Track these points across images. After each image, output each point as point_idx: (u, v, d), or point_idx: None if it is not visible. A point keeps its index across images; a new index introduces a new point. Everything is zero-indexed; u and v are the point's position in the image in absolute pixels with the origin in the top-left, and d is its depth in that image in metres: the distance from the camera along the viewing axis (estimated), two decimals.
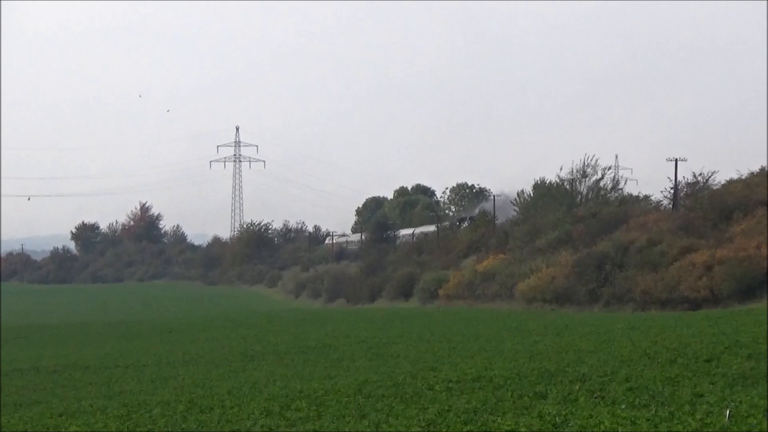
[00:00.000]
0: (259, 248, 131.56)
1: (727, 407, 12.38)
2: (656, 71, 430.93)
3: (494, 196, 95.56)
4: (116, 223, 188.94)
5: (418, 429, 12.77)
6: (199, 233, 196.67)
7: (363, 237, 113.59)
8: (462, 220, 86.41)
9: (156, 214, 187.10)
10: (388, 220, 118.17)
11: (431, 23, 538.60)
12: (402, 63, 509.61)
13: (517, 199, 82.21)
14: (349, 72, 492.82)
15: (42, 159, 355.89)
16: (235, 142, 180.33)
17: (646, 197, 72.57)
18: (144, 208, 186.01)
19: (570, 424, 12.13)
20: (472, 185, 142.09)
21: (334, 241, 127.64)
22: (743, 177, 54.97)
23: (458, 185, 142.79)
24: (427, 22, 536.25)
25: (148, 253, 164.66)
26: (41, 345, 38.73)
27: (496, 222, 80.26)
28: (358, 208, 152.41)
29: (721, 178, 61.13)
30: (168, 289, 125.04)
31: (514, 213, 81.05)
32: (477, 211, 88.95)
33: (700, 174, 63.41)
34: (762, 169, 54.54)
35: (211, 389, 19.84)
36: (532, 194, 79.58)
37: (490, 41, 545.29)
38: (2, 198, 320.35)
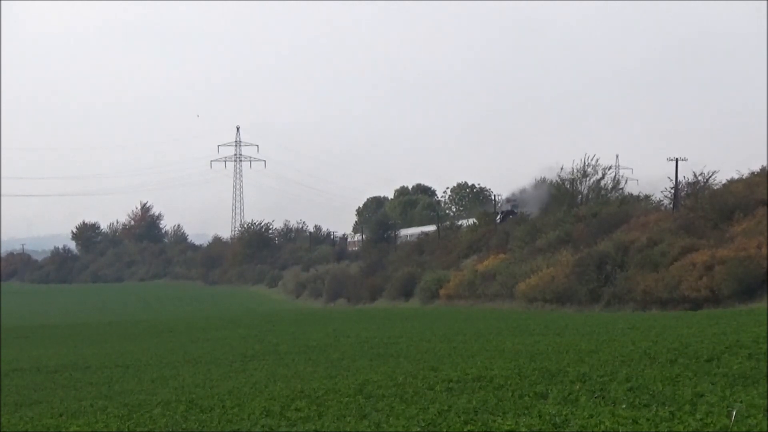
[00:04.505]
0: (260, 248, 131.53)
1: (732, 408, 12.37)
2: (657, 71, 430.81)
3: (494, 195, 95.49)
4: (117, 222, 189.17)
5: (419, 429, 12.76)
6: (199, 233, 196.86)
7: (363, 237, 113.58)
8: (494, 214, 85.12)
9: (156, 213, 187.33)
10: (389, 220, 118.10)
11: (434, 23, 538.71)
12: (404, 63, 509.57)
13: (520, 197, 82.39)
14: (350, 72, 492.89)
15: (42, 159, 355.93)
16: (236, 141, 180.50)
17: (647, 197, 72.49)
18: (145, 208, 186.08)
19: (570, 424, 12.12)
20: (473, 185, 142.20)
21: (355, 239, 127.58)
22: (744, 177, 54.95)
23: (459, 185, 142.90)
24: (430, 21, 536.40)
25: (148, 253, 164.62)
26: (41, 345, 38.71)
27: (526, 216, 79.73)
28: (359, 207, 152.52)
29: (721, 178, 61.15)
30: (169, 289, 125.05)
31: (518, 212, 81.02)
32: (510, 206, 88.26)
33: (701, 174, 63.40)
34: (762, 169, 54.53)
35: (211, 389, 19.84)
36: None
37: (489, 42, 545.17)
38: (2, 198, 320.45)
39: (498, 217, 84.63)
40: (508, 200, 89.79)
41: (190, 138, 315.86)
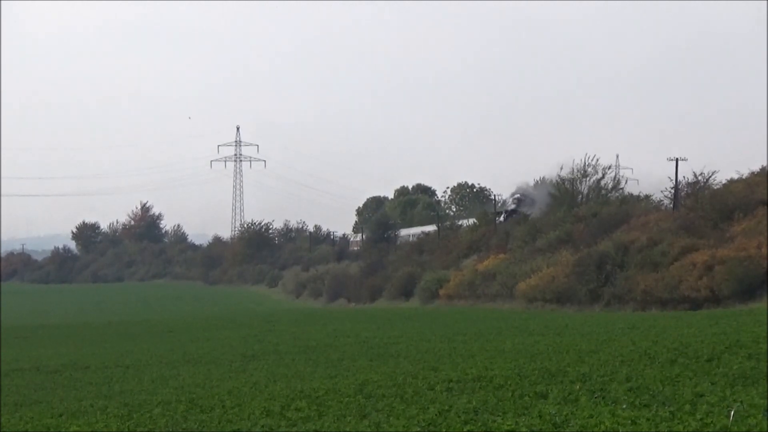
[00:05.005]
0: (260, 248, 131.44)
1: (731, 408, 12.37)
2: (657, 71, 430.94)
3: (494, 195, 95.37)
4: (117, 222, 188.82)
5: (419, 429, 12.77)
6: (199, 233, 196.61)
7: (363, 237, 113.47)
8: (495, 214, 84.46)
9: (157, 213, 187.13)
10: (389, 220, 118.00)
11: (434, 23, 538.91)
12: (404, 63, 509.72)
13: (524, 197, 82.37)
14: (350, 72, 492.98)
15: (42, 159, 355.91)
16: (236, 141, 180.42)
17: (647, 197, 72.46)
18: (145, 208, 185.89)
19: (570, 424, 12.12)
20: (473, 185, 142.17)
21: (357, 239, 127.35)
22: (744, 177, 54.91)
23: (459, 185, 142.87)
24: (430, 21, 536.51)
25: (148, 253, 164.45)
26: (41, 345, 38.72)
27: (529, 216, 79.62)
28: (359, 207, 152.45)
29: (721, 178, 61.08)
30: (169, 289, 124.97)
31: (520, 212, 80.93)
32: (512, 204, 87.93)
33: (701, 174, 63.36)
34: (762, 169, 54.49)
35: (211, 389, 19.84)
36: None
37: (489, 42, 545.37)
38: (2, 198, 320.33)
39: (502, 215, 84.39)
40: (516, 196, 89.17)
41: (190, 138, 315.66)
